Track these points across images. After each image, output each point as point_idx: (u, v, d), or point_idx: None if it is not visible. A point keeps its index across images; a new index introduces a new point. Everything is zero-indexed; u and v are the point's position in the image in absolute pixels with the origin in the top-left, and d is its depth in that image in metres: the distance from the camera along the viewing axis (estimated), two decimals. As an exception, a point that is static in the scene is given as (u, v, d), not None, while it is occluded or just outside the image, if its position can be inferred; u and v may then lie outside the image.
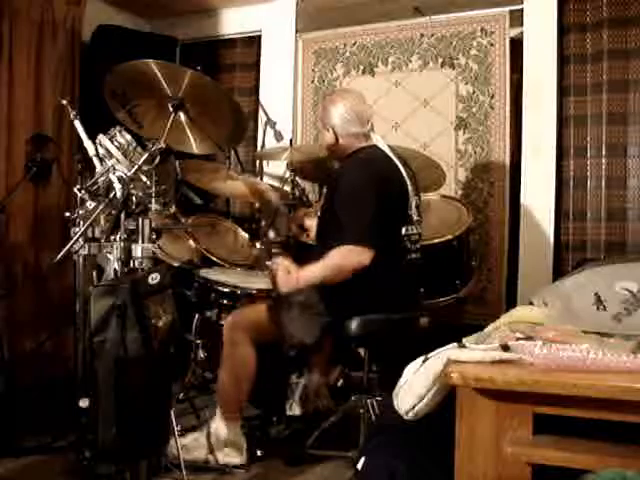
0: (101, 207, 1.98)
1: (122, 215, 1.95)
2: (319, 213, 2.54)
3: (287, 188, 3.60)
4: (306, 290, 2.27)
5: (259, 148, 4.06)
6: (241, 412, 2.39)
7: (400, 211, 2.31)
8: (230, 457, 2.32)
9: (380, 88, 3.75)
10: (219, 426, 2.33)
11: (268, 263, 2.42)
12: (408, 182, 2.32)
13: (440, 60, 3.63)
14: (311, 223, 2.69)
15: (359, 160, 2.33)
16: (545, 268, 3.31)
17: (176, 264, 2.87)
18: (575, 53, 3.29)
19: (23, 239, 3.26)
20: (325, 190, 2.52)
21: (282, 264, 2.24)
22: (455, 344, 1.46)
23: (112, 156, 2.03)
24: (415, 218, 2.35)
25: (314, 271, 2.21)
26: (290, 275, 2.21)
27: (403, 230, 2.29)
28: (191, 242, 3.04)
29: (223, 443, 2.31)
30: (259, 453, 2.41)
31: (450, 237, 2.80)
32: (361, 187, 2.23)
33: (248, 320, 2.37)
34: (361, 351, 2.67)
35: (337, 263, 2.18)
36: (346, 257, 2.17)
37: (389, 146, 2.40)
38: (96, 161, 2.04)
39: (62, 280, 3.26)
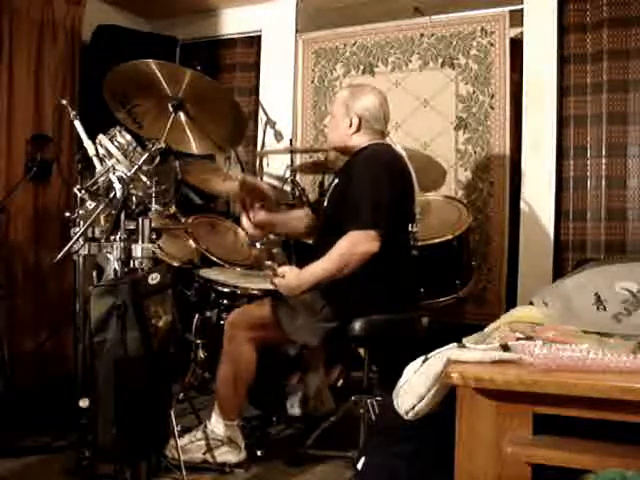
0: (101, 207, 1.98)
1: (122, 215, 1.95)
2: (321, 213, 2.54)
3: (287, 188, 3.60)
4: (311, 294, 2.24)
5: (259, 148, 4.06)
6: (239, 411, 2.38)
7: (408, 208, 2.35)
8: (228, 455, 2.31)
9: (380, 88, 3.71)
10: (216, 425, 2.32)
11: (268, 263, 2.41)
12: (415, 181, 2.36)
13: (440, 60, 3.63)
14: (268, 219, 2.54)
15: (376, 151, 2.34)
16: (545, 268, 3.32)
17: (176, 264, 2.87)
18: (575, 53, 3.30)
19: (23, 239, 3.26)
20: (334, 183, 2.46)
21: (280, 270, 2.23)
22: (455, 344, 1.46)
23: (112, 156, 2.03)
24: (417, 217, 2.39)
25: (316, 268, 2.18)
26: (289, 279, 2.20)
27: (410, 227, 2.32)
28: (191, 242, 3.04)
29: (220, 442, 2.30)
30: (259, 453, 2.41)
31: (450, 237, 2.81)
32: (379, 175, 2.22)
33: (250, 319, 2.34)
34: (361, 351, 2.67)
35: (344, 252, 2.12)
36: (355, 244, 2.12)
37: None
38: (96, 161, 2.04)
39: (62, 280, 3.26)
